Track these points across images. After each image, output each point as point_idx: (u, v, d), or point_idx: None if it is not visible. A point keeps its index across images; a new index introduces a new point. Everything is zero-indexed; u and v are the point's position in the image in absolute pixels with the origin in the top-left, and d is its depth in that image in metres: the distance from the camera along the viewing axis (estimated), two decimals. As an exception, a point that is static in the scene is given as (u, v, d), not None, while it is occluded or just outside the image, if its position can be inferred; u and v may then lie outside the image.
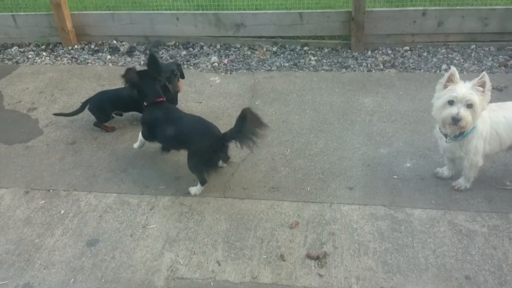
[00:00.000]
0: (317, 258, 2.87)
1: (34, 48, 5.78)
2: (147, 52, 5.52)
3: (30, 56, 5.63)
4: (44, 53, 5.66)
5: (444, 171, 3.43)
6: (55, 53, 5.66)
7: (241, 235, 3.07)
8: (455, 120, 2.89)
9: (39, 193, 3.53)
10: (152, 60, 3.61)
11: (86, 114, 4.18)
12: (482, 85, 2.89)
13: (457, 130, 2.99)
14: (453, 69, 2.95)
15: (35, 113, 4.49)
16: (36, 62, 5.51)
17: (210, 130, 3.40)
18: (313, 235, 3.04)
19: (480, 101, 2.89)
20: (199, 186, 3.43)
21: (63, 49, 5.71)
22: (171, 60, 5.31)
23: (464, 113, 2.88)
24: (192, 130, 3.45)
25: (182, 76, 4.08)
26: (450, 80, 2.96)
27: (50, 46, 5.79)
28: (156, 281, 2.80)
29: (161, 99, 3.62)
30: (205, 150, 3.31)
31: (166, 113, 3.54)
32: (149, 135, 3.65)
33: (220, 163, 3.61)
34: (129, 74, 3.55)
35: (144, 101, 3.65)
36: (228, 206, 3.31)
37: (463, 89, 2.89)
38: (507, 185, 3.34)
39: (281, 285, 2.73)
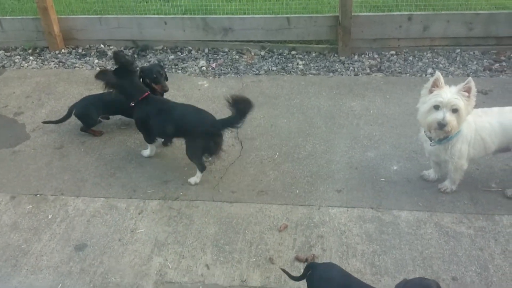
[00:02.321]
0: (306, 260, 2.88)
1: (21, 52, 5.73)
2: (135, 56, 5.51)
3: (16, 60, 5.58)
4: (31, 57, 5.61)
5: (431, 173, 3.47)
6: (42, 57, 5.61)
7: (230, 239, 3.08)
8: (441, 125, 2.92)
9: (26, 198, 3.50)
10: (119, 57, 3.59)
11: (74, 118, 4.15)
12: (468, 90, 2.90)
13: (443, 134, 3.02)
14: (437, 74, 2.96)
15: (22, 118, 4.45)
16: (23, 67, 5.47)
17: (206, 116, 3.50)
18: (301, 238, 3.06)
19: (465, 106, 2.91)
20: (198, 173, 3.51)
21: (50, 53, 5.67)
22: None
23: (450, 118, 2.90)
24: (189, 118, 3.51)
25: (166, 78, 4.08)
26: (435, 85, 2.97)
27: (37, 50, 5.75)
28: (145, 286, 2.79)
29: (146, 93, 3.61)
30: (203, 136, 3.41)
31: (158, 106, 3.58)
32: (148, 136, 3.73)
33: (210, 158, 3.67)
34: (105, 76, 3.47)
35: (131, 101, 3.60)
36: (217, 209, 3.32)
37: (449, 94, 2.90)
38: (493, 187, 3.38)
39: (270, 288, 2.75)
